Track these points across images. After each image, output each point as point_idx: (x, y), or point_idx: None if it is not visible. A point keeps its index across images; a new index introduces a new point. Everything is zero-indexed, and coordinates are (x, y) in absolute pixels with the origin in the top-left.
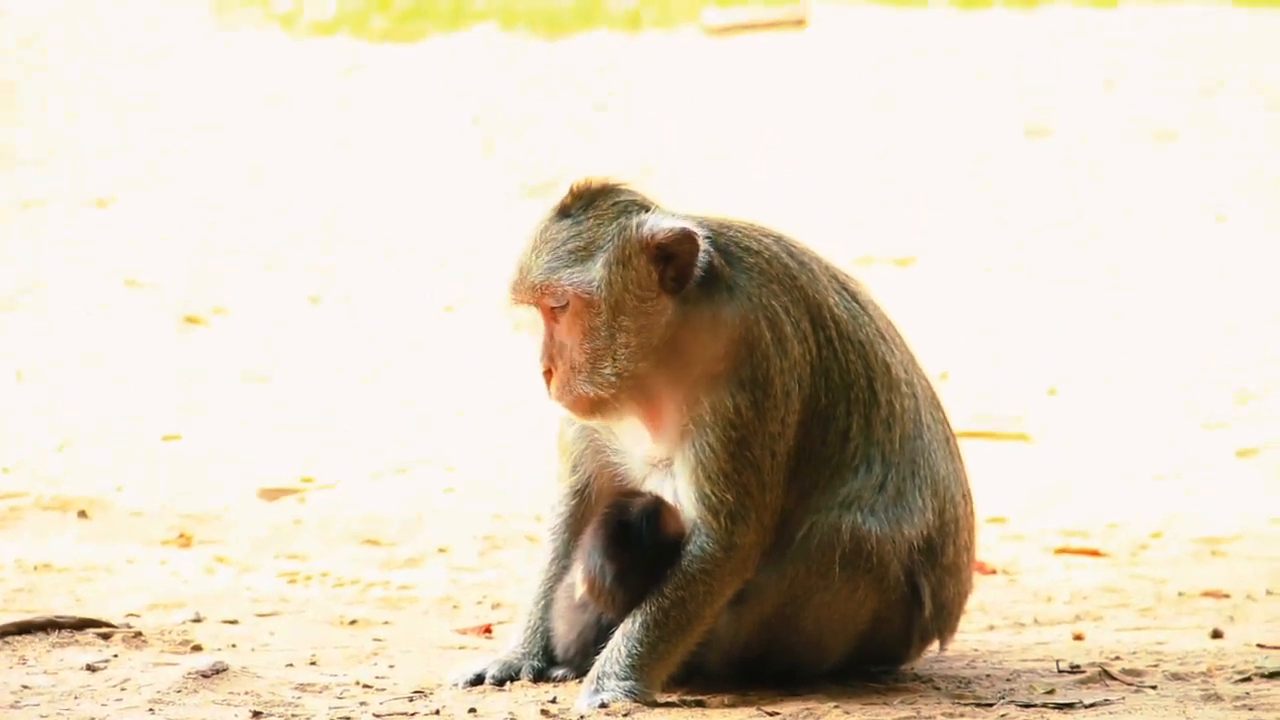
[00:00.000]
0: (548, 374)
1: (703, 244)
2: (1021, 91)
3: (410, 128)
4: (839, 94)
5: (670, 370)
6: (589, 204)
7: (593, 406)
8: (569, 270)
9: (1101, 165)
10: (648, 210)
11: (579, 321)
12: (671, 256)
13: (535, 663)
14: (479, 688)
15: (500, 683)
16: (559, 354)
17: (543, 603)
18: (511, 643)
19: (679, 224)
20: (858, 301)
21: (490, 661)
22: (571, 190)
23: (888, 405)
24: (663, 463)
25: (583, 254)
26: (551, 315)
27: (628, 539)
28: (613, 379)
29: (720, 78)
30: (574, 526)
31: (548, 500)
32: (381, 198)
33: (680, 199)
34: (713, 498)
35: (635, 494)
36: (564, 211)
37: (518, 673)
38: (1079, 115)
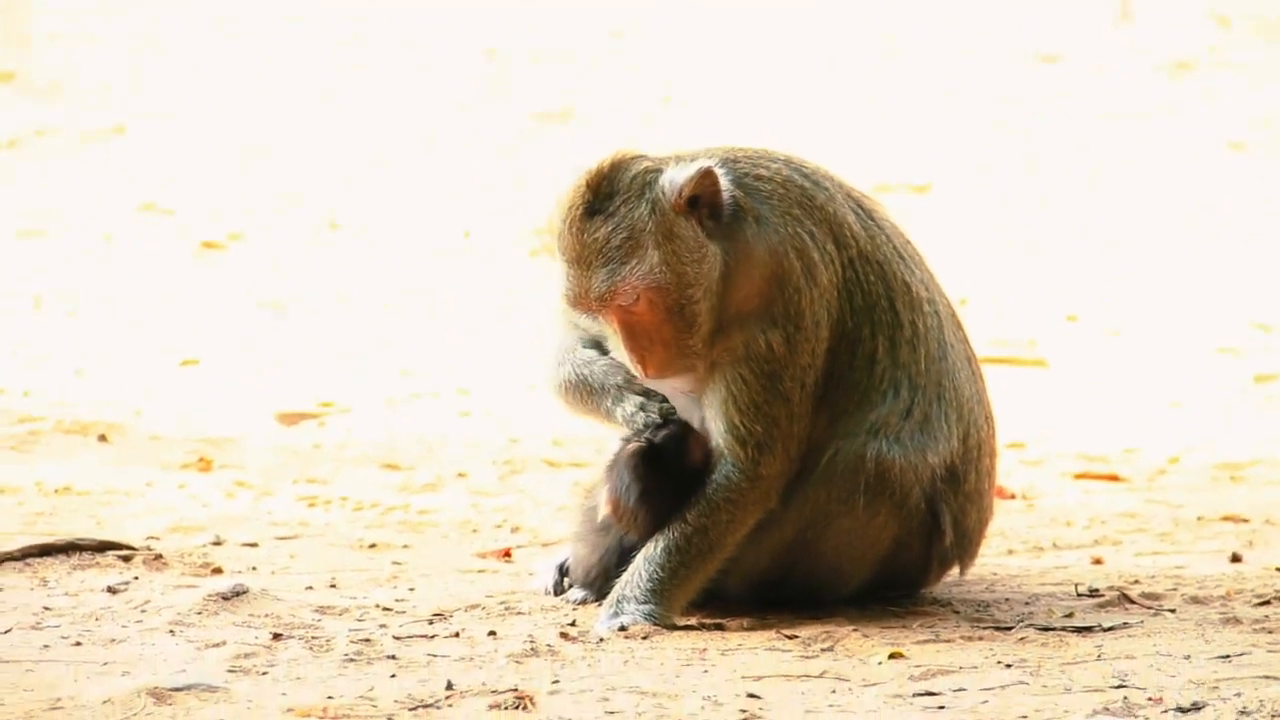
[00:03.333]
0: (642, 361)
1: (721, 175)
2: (1034, 19)
3: (422, 54)
4: (855, 20)
5: (722, 304)
6: (610, 192)
7: (687, 370)
8: (628, 267)
9: (1116, 94)
10: (660, 170)
11: (654, 308)
12: (697, 199)
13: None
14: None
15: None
16: (646, 342)
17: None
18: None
19: (693, 167)
20: (874, 220)
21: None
22: (587, 184)
23: (910, 325)
24: (691, 391)
25: (632, 245)
26: (624, 312)
27: (655, 461)
28: (701, 345)
29: (735, 5)
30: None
31: (566, 426)
32: (395, 125)
33: (696, 127)
34: (741, 428)
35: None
36: (591, 209)
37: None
38: (1092, 45)
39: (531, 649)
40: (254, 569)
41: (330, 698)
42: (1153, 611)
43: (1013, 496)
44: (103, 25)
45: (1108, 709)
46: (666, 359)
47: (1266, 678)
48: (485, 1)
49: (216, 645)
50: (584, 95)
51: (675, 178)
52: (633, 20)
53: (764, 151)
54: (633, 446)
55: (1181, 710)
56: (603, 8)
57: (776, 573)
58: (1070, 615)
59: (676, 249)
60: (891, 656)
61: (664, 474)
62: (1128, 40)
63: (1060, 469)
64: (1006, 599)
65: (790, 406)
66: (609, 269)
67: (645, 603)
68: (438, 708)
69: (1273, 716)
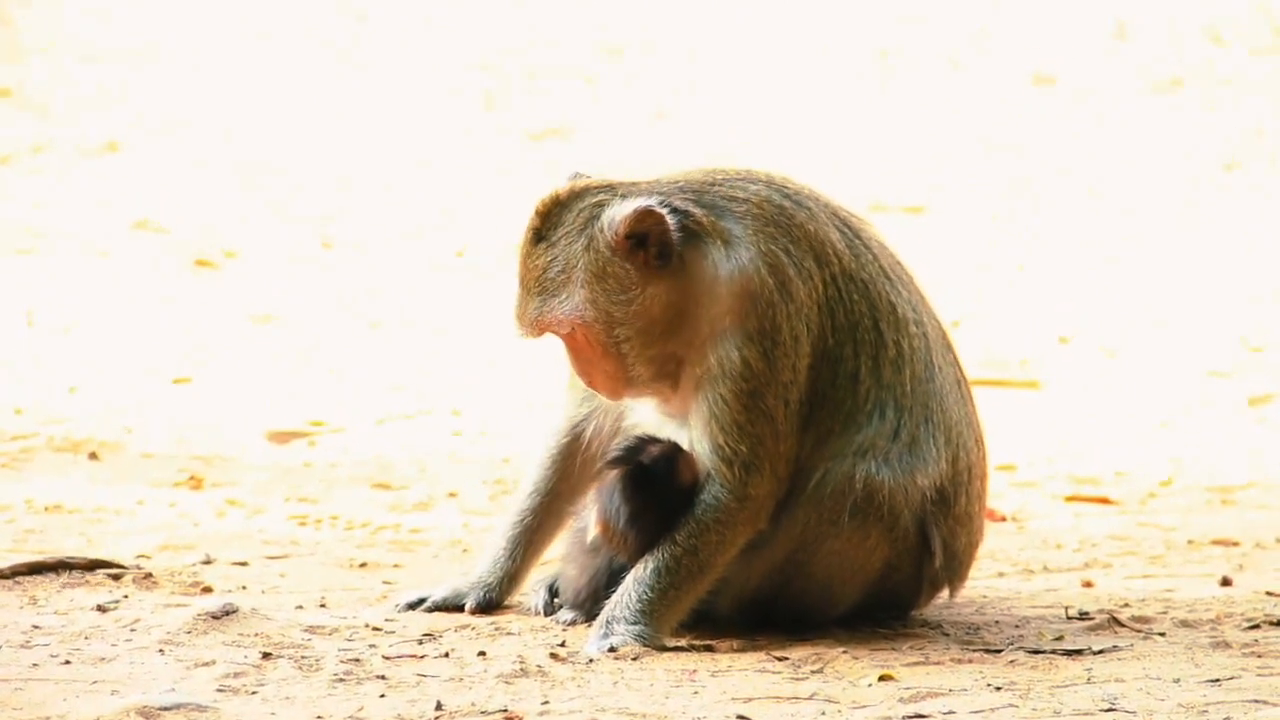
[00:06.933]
0: (590, 383)
1: (664, 214)
2: (1029, 40)
3: (418, 72)
4: (849, 41)
5: (682, 333)
6: (557, 221)
7: (644, 393)
8: (557, 301)
9: (1109, 114)
10: (608, 204)
11: (587, 341)
12: (644, 237)
13: (485, 594)
14: (430, 612)
15: (442, 608)
16: (592, 365)
17: (512, 534)
18: (473, 572)
19: (632, 205)
20: (860, 239)
21: (442, 587)
22: (538, 212)
23: (895, 346)
24: (676, 415)
25: (563, 279)
26: (566, 336)
27: (644, 483)
28: (645, 373)
29: (731, 23)
30: (560, 465)
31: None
32: (390, 143)
33: (692, 145)
34: (727, 449)
35: (653, 439)
36: (537, 236)
37: (462, 601)
38: (1086, 64)
39: (521, 669)
40: (244, 588)
41: (319, 717)
42: (1142, 635)
43: (1003, 519)
44: (97, 41)
45: None
46: (613, 385)
47: (1256, 702)
48: (482, 20)
49: (206, 664)
50: (581, 113)
51: (616, 213)
52: (630, 38)
53: (747, 172)
54: (622, 468)
55: None
56: (600, 26)
57: (766, 594)
58: (1060, 638)
59: (606, 288)
60: (881, 679)
61: (653, 495)
62: (1122, 58)
63: (1051, 491)
64: (996, 621)
65: (775, 425)
66: (540, 299)
67: (635, 624)
68: None
69: None
